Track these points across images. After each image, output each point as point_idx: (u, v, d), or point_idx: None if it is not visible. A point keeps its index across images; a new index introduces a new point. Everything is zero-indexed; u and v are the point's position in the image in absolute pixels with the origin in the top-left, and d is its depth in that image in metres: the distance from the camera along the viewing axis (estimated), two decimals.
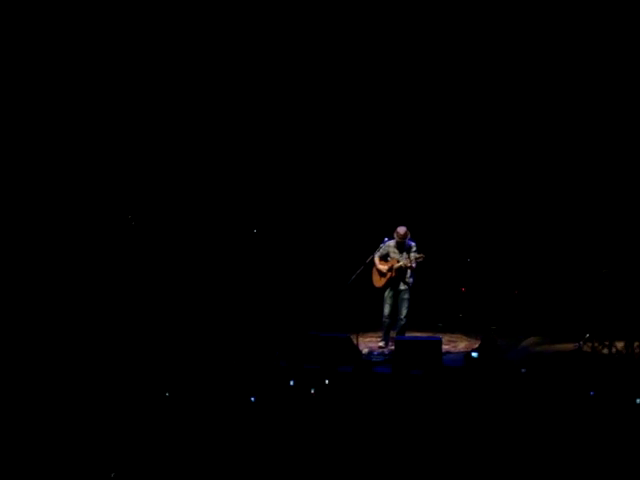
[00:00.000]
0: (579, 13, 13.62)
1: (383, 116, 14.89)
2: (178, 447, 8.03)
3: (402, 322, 12.50)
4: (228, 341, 12.38)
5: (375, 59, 14.56)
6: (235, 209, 15.15)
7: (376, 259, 12.53)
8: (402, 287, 12.49)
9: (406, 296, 12.49)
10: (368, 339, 13.21)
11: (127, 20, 14.48)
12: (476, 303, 14.31)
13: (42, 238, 14.08)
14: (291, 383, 9.56)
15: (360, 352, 12.03)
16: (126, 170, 14.83)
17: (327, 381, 9.59)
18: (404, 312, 12.48)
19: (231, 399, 9.05)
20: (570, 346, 12.22)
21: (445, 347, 12.42)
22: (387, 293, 12.57)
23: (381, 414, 8.53)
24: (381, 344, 12.74)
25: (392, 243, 12.49)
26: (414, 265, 12.35)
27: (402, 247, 12.44)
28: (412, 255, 12.35)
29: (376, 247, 12.55)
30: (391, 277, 12.49)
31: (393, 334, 12.54)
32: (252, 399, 8.96)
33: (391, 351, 12.27)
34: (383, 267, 12.51)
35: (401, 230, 12.38)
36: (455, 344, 13.26)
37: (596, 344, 11.83)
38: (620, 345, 11.75)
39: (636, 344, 11.60)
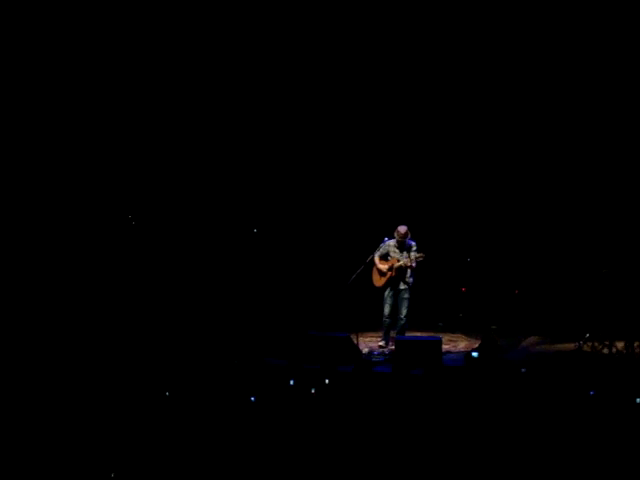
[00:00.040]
0: (579, 13, 13.62)
1: (383, 116, 14.89)
2: (178, 447, 8.02)
3: (402, 322, 12.49)
4: (228, 341, 12.38)
5: (375, 59, 14.56)
6: (235, 209, 15.15)
7: (376, 258, 12.52)
8: (402, 287, 12.48)
9: (406, 296, 12.49)
10: (368, 339, 13.21)
11: (127, 20, 14.48)
12: (476, 303, 14.32)
13: (42, 238, 14.08)
14: (291, 383, 9.56)
15: (360, 352, 12.03)
16: (126, 170, 14.84)
17: (327, 381, 9.59)
18: (404, 312, 12.48)
19: (231, 399, 9.05)
20: (570, 346, 12.23)
21: (445, 347, 12.42)
22: (387, 293, 12.56)
23: (381, 414, 8.53)
24: (381, 344, 12.74)
25: (392, 242, 12.49)
26: (414, 265, 12.34)
27: (402, 246, 12.43)
28: (412, 254, 12.35)
29: (376, 246, 12.55)
30: (391, 276, 12.48)
31: (393, 334, 12.54)
32: (252, 399, 8.96)
33: (391, 351, 12.27)
34: (383, 266, 12.51)
35: (402, 229, 12.37)
36: (455, 344, 13.26)
37: (596, 344, 11.84)
38: (620, 345, 11.76)
39: (636, 344, 11.62)
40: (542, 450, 7.77)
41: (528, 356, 11.98)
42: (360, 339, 12.30)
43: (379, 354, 12.44)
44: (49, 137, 14.44)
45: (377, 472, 7.63)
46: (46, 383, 9.61)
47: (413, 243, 12.46)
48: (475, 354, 10.90)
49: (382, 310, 12.59)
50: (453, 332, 13.95)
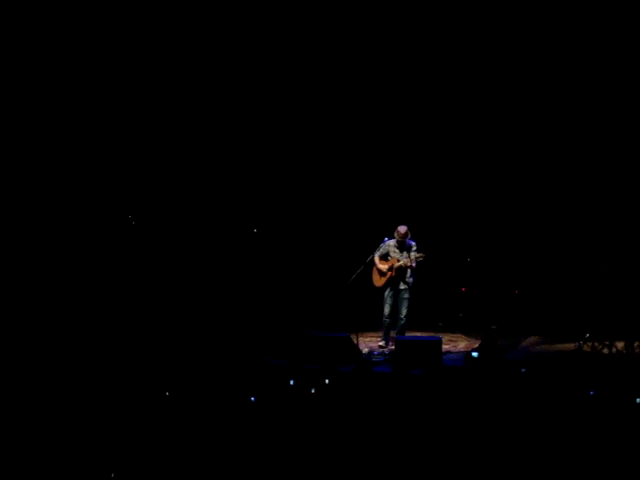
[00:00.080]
0: (579, 13, 13.62)
1: (383, 116, 14.89)
2: (178, 447, 8.02)
3: (402, 322, 12.49)
4: (228, 341, 12.38)
5: (375, 59, 14.56)
6: (235, 209, 15.15)
7: (376, 258, 12.52)
8: (402, 287, 12.48)
9: (406, 296, 12.48)
10: (368, 339, 13.20)
11: (127, 20, 14.48)
12: (476, 303, 14.32)
13: (42, 238, 14.08)
14: (291, 383, 9.56)
15: (360, 352, 12.03)
16: (126, 170, 14.84)
17: (327, 381, 9.59)
18: (404, 312, 12.47)
19: (231, 399, 9.05)
20: (570, 346, 12.23)
21: (445, 347, 12.42)
22: (387, 293, 12.56)
23: (381, 414, 8.53)
24: (381, 344, 12.74)
25: (392, 242, 12.49)
26: (414, 264, 12.34)
27: (402, 246, 12.43)
28: (412, 254, 12.34)
29: (376, 247, 12.55)
30: (391, 276, 12.48)
31: (393, 334, 12.54)
32: (252, 399, 8.96)
33: (391, 351, 12.27)
34: (383, 266, 12.50)
35: (402, 229, 12.37)
36: (455, 344, 13.26)
37: (596, 344, 11.84)
38: (620, 345, 11.76)
39: (636, 344, 11.61)
40: (542, 450, 7.77)
41: (528, 356, 11.98)
42: (360, 339, 12.30)
43: (379, 354, 12.44)
44: (49, 137, 14.44)
45: (377, 472, 7.63)
46: (46, 383, 9.61)
47: (413, 243, 12.46)
48: (475, 354, 10.90)
49: (382, 310, 12.59)
50: (453, 332, 13.96)
